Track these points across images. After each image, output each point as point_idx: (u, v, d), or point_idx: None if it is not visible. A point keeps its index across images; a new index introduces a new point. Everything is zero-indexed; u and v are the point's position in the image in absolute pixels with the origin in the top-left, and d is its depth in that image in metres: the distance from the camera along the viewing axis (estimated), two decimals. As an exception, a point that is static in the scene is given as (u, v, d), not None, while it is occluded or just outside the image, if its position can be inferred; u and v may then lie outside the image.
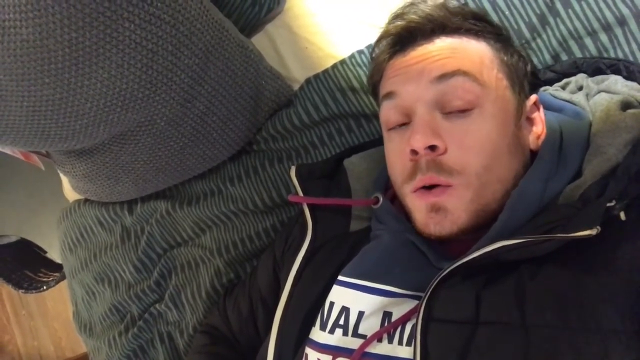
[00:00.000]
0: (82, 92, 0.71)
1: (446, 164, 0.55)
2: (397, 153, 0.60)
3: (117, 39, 0.67)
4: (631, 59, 0.67)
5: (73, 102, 0.72)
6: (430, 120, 0.56)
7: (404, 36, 0.61)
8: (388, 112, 0.61)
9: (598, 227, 0.46)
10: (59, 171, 1.06)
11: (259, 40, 0.92)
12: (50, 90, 0.71)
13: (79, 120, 0.75)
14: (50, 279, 1.66)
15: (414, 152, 0.56)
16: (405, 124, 0.59)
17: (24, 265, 1.64)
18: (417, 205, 0.57)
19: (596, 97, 0.62)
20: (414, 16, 0.60)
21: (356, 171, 0.71)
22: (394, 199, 0.66)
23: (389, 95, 0.60)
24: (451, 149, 0.55)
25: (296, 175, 0.70)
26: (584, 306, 0.46)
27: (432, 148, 0.55)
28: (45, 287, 1.65)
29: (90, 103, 0.73)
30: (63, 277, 1.64)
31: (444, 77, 0.56)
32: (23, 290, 1.65)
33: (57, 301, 2.02)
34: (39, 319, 2.08)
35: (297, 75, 0.91)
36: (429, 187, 0.56)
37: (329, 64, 0.86)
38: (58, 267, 1.64)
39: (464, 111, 0.56)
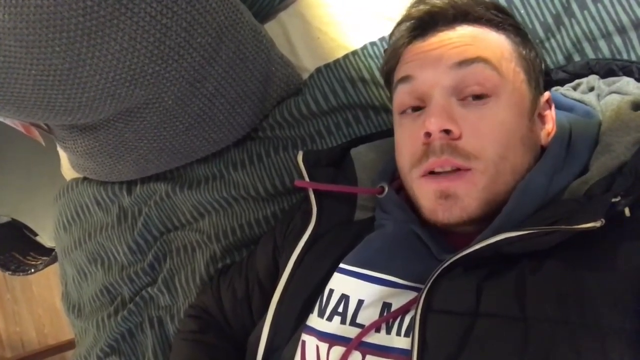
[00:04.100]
0: (92, 64, 0.70)
1: (463, 148, 0.54)
2: (408, 137, 0.59)
3: (132, 10, 0.67)
4: (644, 62, 0.67)
5: (82, 73, 0.71)
6: (446, 105, 0.55)
7: (425, 20, 0.61)
8: (402, 96, 0.60)
9: (602, 219, 0.45)
10: (59, 147, 1.05)
11: (271, 28, 0.92)
12: (59, 60, 0.70)
13: (85, 92, 0.74)
14: (39, 262, 1.64)
15: (428, 135, 0.55)
16: (419, 108, 0.59)
17: (13, 247, 1.62)
18: (425, 191, 0.57)
19: (607, 97, 0.62)
20: (437, 1, 0.60)
21: (363, 161, 0.71)
22: (399, 190, 0.65)
23: (405, 79, 0.60)
24: (466, 135, 0.54)
25: (303, 161, 0.70)
26: (584, 302, 0.46)
27: (447, 132, 0.54)
28: (32, 270, 1.63)
29: (99, 75, 0.72)
30: (51, 261, 1.62)
31: (464, 62, 0.56)
32: (10, 272, 1.63)
33: (43, 287, 2.00)
34: (23, 304, 2.06)
35: (308, 64, 0.91)
36: (440, 173, 0.55)
37: (340, 54, 0.86)
38: (47, 251, 1.63)
39: (480, 98, 0.56)
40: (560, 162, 0.57)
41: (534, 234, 0.49)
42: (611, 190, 0.50)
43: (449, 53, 0.57)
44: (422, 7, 0.61)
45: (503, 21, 0.60)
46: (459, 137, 0.55)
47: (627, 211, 0.48)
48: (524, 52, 0.60)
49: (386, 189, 0.64)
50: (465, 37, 0.58)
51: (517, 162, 0.56)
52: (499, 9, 0.62)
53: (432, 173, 0.56)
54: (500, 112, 0.55)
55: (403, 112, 0.61)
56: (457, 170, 0.55)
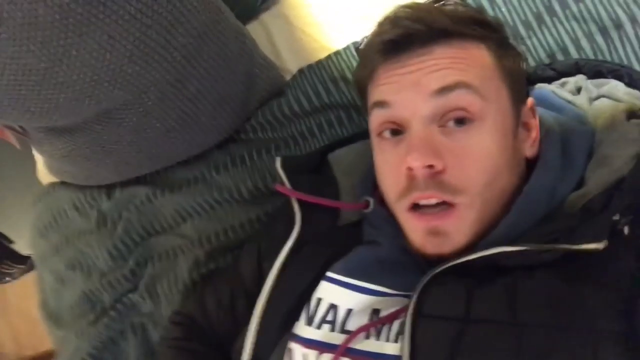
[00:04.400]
0: (69, 63, 0.69)
1: (448, 182, 0.52)
2: (389, 167, 0.56)
3: (111, 8, 0.65)
4: (626, 62, 0.69)
5: (58, 73, 0.69)
6: (427, 136, 0.53)
7: (398, 42, 0.55)
8: (379, 120, 0.57)
9: (605, 241, 0.46)
10: (34, 151, 1.02)
11: (253, 29, 0.91)
12: (34, 59, 0.68)
13: (62, 93, 0.72)
14: (14, 270, 1.60)
15: (410, 169, 0.53)
16: (397, 131, 0.56)
17: (-12, 255, 1.58)
18: (413, 227, 0.55)
19: (597, 102, 0.62)
20: (408, 22, 0.55)
21: (341, 165, 0.70)
22: (383, 200, 0.63)
23: (380, 104, 0.56)
24: (450, 168, 0.52)
25: (282, 167, 0.68)
26: (576, 307, 0.46)
27: (430, 167, 0.52)
28: (8, 279, 1.60)
29: (77, 75, 0.70)
30: (28, 270, 1.58)
31: (444, 90, 0.52)
32: (-15, 282, 1.59)
33: (20, 297, 1.95)
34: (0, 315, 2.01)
35: (291, 66, 0.91)
36: (426, 207, 0.54)
37: (323, 55, 0.87)
38: (23, 259, 1.59)
39: (463, 124, 0.53)
40: (559, 172, 0.56)
41: (531, 251, 0.49)
42: (610, 207, 0.50)
43: (426, 79, 0.53)
44: (393, 27, 0.56)
45: (484, 35, 0.56)
46: (443, 171, 0.52)
47: (626, 230, 0.49)
48: (507, 64, 0.57)
49: (371, 203, 0.63)
50: (444, 58, 0.54)
51: (504, 185, 0.54)
52: (480, 22, 0.57)
53: (417, 206, 0.54)
54: (485, 140, 0.53)
55: (380, 135, 0.58)
56: (443, 203, 0.53)
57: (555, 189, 0.55)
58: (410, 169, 0.53)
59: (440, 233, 0.53)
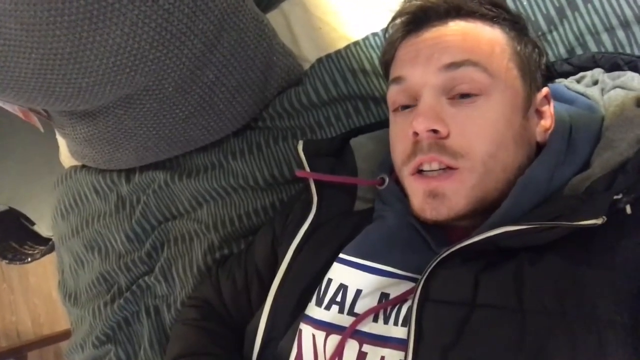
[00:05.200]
0: (93, 49, 0.70)
1: (450, 147, 0.55)
2: (399, 134, 0.60)
3: (134, -6, 0.66)
4: (647, 56, 0.67)
5: (82, 57, 0.71)
6: (435, 104, 0.56)
7: (418, 16, 0.61)
8: (395, 95, 0.61)
9: (604, 217, 0.45)
10: (57, 134, 1.04)
11: (273, 18, 0.92)
12: (60, 44, 0.69)
13: (86, 77, 0.74)
14: (36, 251, 1.64)
15: (416, 134, 0.56)
16: (411, 106, 0.59)
17: (10, 236, 1.62)
18: (415, 189, 0.57)
19: (611, 92, 0.62)
20: None
21: (363, 151, 0.71)
22: (399, 182, 0.65)
23: (397, 80, 0.60)
24: (454, 134, 0.55)
25: (303, 151, 0.70)
26: (582, 295, 0.46)
27: (434, 132, 0.55)
28: (29, 259, 1.63)
29: (100, 61, 0.72)
30: (48, 251, 1.62)
31: (452, 65, 0.56)
32: (7, 261, 1.62)
33: (40, 277, 2.00)
34: (20, 294, 2.05)
35: (309, 55, 0.91)
36: (429, 171, 0.56)
37: (342, 45, 0.86)
38: (44, 241, 1.62)
39: (469, 97, 0.55)
40: (562, 156, 0.57)
41: (533, 229, 0.49)
42: (613, 187, 0.50)
43: (438, 54, 0.57)
44: (415, 2, 0.62)
45: (497, 15, 0.60)
46: (447, 136, 0.55)
47: (628, 209, 0.48)
48: (518, 47, 0.60)
49: (387, 180, 0.65)
50: (457, 34, 0.58)
51: (508, 160, 0.56)
52: (494, 3, 0.61)
53: (421, 172, 0.57)
54: (490, 111, 0.55)
55: (395, 110, 0.61)
56: (445, 169, 0.55)
57: (556, 172, 0.56)
58: (415, 133, 0.56)
59: (438, 195, 0.55)
